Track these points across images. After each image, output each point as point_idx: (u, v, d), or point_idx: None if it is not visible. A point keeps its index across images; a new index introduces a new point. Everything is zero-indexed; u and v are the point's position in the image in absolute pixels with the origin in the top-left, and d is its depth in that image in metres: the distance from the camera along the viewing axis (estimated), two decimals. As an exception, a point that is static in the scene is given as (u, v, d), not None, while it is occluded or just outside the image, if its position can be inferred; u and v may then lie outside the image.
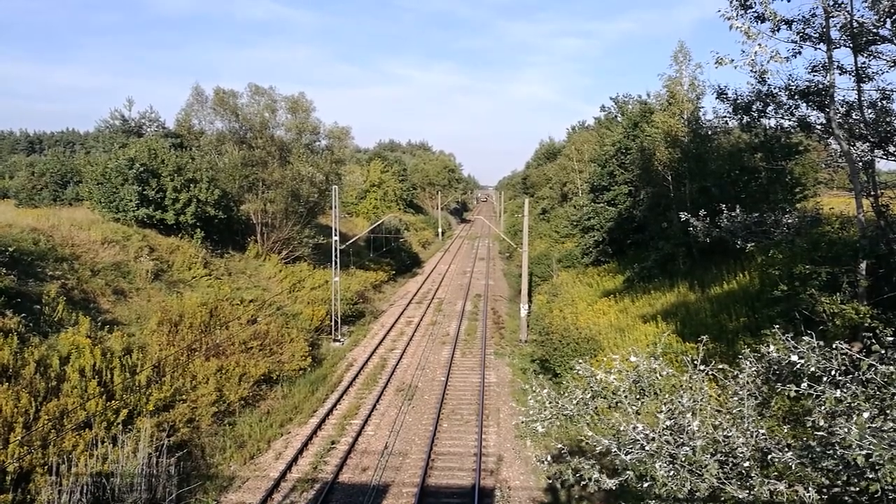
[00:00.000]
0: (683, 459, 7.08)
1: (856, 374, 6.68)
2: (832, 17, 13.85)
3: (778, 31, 13.69)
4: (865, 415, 6.10)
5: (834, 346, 6.97)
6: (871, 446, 5.76)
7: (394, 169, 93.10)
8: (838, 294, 14.13)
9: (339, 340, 33.94)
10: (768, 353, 7.71)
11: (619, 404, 8.13)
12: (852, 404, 6.41)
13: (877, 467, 5.79)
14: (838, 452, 6.27)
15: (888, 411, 6.31)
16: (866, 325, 12.25)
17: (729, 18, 11.81)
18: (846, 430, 6.02)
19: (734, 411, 7.77)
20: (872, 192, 15.49)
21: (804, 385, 6.75)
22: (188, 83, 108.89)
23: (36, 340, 19.02)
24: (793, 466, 6.75)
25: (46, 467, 14.74)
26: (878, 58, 14.45)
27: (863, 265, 14.89)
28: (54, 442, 15.60)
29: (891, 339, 6.93)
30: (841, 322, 13.60)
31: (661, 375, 8.24)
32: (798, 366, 7.07)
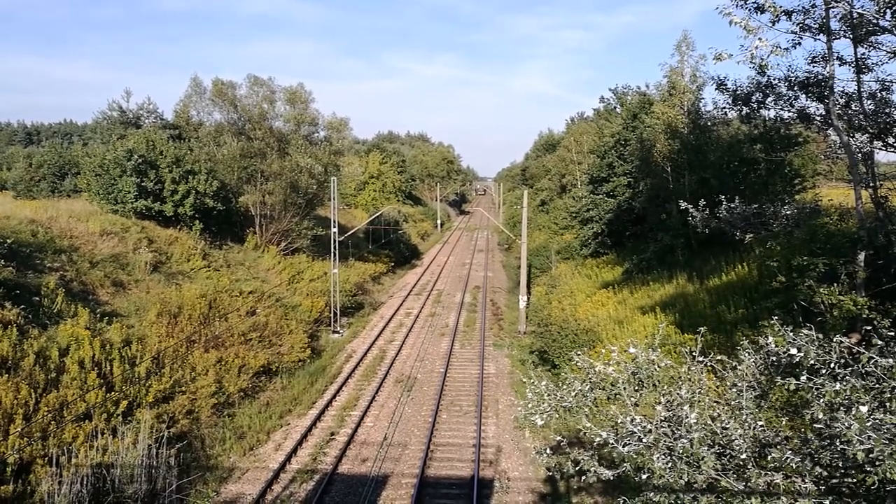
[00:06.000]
0: (681, 451, 7.10)
1: (855, 366, 6.69)
2: (832, 7, 13.80)
3: (777, 22, 13.63)
4: (865, 409, 6.11)
5: (833, 338, 6.98)
6: (872, 441, 5.78)
7: (392, 160, 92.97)
8: (836, 285, 14.14)
9: (338, 332, 33.98)
10: (766, 344, 7.73)
11: (617, 396, 8.15)
12: (852, 397, 6.42)
13: (877, 462, 5.81)
14: (838, 447, 6.29)
15: (888, 404, 6.32)
16: (864, 316, 12.26)
17: (728, 14, 11.75)
18: (846, 424, 6.03)
19: (732, 403, 7.80)
20: (871, 184, 15.49)
21: (803, 378, 6.77)
22: (188, 77, 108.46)
23: (35, 332, 19.02)
24: (792, 464, 6.78)
25: (46, 458, 14.77)
26: (878, 48, 14.42)
27: (861, 256, 14.91)
28: (54, 433, 15.64)
29: (891, 333, 6.93)
30: (839, 313, 13.62)
31: (659, 367, 8.26)
32: (797, 358, 7.09)
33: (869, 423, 5.96)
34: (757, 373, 8.00)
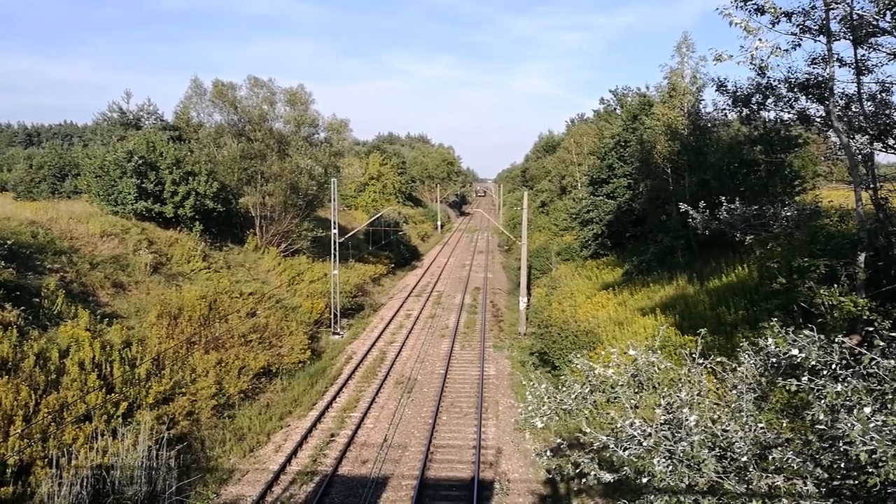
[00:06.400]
0: (681, 454, 7.09)
1: (857, 367, 6.68)
2: (832, 9, 13.80)
3: (777, 23, 13.63)
4: (867, 410, 6.10)
5: (835, 339, 6.96)
6: (875, 442, 5.77)
7: (393, 162, 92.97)
8: (837, 287, 14.12)
9: (338, 333, 33.97)
10: (767, 346, 7.72)
11: (617, 398, 8.14)
12: (853, 398, 6.41)
13: (880, 464, 5.80)
14: (841, 448, 6.27)
15: (890, 406, 6.31)
16: (864, 317, 12.25)
17: (728, 15, 11.75)
18: (849, 425, 6.02)
19: (733, 405, 7.79)
20: (871, 185, 15.49)
21: (805, 379, 6.75)
22: (188, 77, 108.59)
23: (35, 333, 19.02)
24: (794, 465, 6.76)
25: (46, 460, 14.77)
26: (878, 50, 14.42)
27: (861, 258, 14.90)
28: (54, 435, 15.63)
29: (893, 335, 6.91)
30: (839, 315, 13.60)
31: (659, 369, 8.25)
32: (798, 359, 7.07)
33: (872, 425, 5.95)
34: (757, 374, 7.99)
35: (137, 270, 27.66)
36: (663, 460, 7.18)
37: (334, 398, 24.16)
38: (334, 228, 35.51)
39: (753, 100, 16.42)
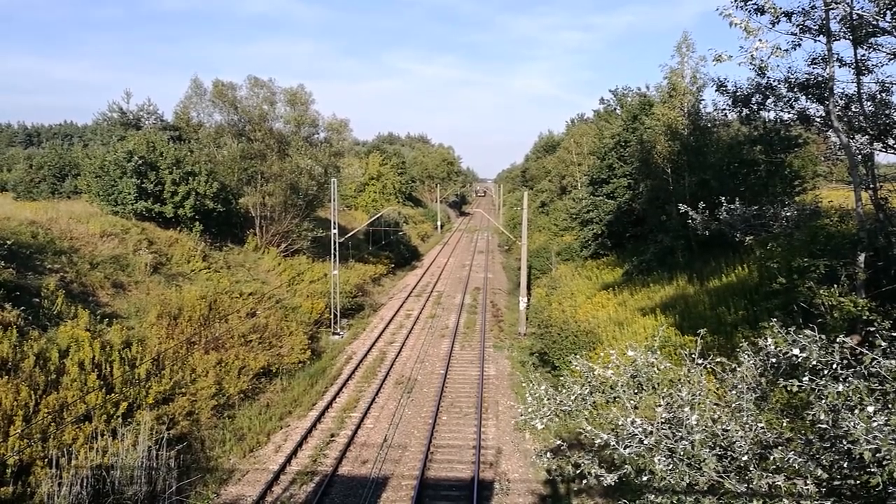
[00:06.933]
0: (682, 453, 7.09)
1: (858, 367, 6.67)
2: (832, 9, 13.81)
3: (777, 23, 13.64)
4: (871, 409, 6.11)
5: (836, 339, 6.96)
6: (879, 441, 5.77)
7: (393, 162, 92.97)
8: (837, 287, 14.13)
9: (338, 333, 33.97)
10: (766, 346, 7.72)
11: (616, 399, 8.14)
12: (854, 398, 6.41)
13: (884, 462, 5.80)
14: (844, 447, 6.27)
15: (891, 405, 6.31)
16: (864, 317, 12.25)
17: (728, 15, 11.76)
18: (853, 424, 6.02)
19: (733, 404, 7.79)
20: (871, 185, 15.49)
21: (805, 379, 6.75)
22: (188, 77, 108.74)
23: (35, 334, 19.01)
24: (795, 464, 6.76)
25: (46, 460, 14.76)
26: (878, 50, 14.43)
27: (861, 258, 14.90)
28: (54, 435, 15.62)
29: (894, 335, 6.91)
30: (839, 315, 13.60)
31: (658, 369, 8.25)
32: (798, 359, 7.07)
33: (875, 424, 5.95)
34: (757, 374, 7.99)
35: (137, 270, 27.65)
36: (664, 459, 7.18)
37: (334, 398, 24.16)
38: (334, 228, 35.52)
39: (753, 100, 16.44)
